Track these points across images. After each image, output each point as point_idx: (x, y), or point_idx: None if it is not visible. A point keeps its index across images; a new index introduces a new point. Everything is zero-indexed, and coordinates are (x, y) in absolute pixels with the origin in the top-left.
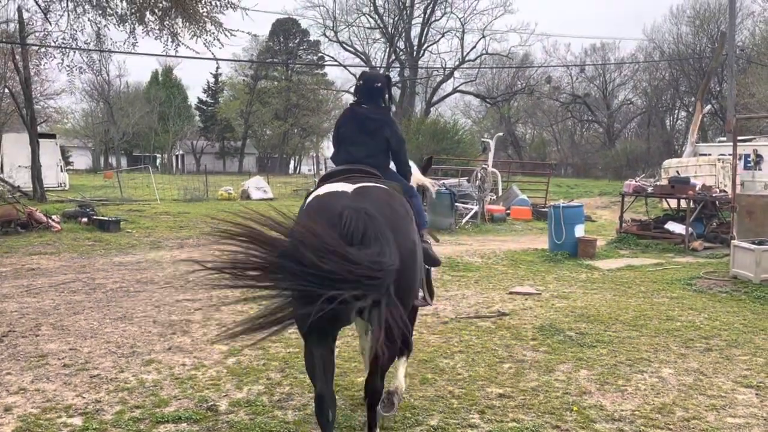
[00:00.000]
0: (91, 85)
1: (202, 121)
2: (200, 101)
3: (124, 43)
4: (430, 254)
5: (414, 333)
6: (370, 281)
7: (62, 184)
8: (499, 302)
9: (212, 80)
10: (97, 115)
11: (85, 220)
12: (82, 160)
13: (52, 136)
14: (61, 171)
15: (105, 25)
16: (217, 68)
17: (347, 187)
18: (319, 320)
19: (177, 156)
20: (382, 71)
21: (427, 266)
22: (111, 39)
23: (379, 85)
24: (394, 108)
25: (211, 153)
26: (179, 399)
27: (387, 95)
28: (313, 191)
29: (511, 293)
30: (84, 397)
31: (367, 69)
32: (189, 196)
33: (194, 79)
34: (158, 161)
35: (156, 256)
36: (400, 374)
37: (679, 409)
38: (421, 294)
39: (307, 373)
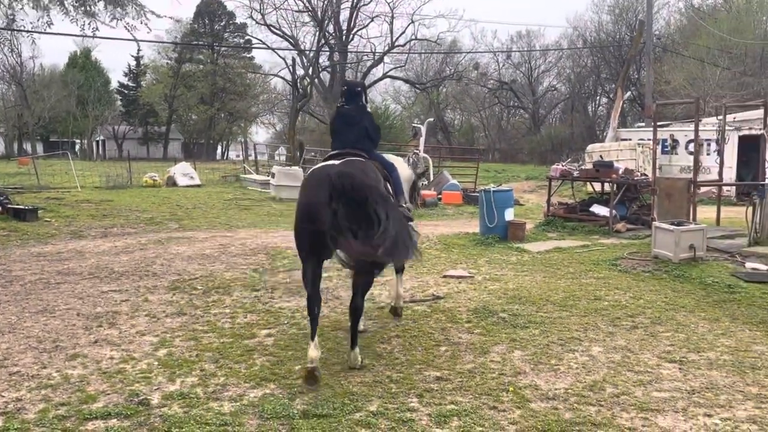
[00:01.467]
0: (2, 67)
1: (123, 105)
2: (121, 85)
3: (38, 20)
4: (405, 213)
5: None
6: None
7: None
8: (434, 286)
9: (134, 63)
10: (8, 98)
11: None
12: None
13: None
14: None
15: (19, 8)
16: (139, 51)
17: (337, 162)
18: (311, 250)
19: (97, 142)
20: (311, 55)
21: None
22: (26, 17)
23: (359, 89)
24: (369, 107)
25: (133, 138)
26: (108, 394)
27: (364, 96)
28: (311, 170)
29: (445, 277)
30: (3, 396)
31: (348, 78)
32: (112, 183)
33: (115, 62)
34: (77, 147)
35: (78, 246)
36: (398, 288)
37: (609, 385)
38: None
39: (303, 282)
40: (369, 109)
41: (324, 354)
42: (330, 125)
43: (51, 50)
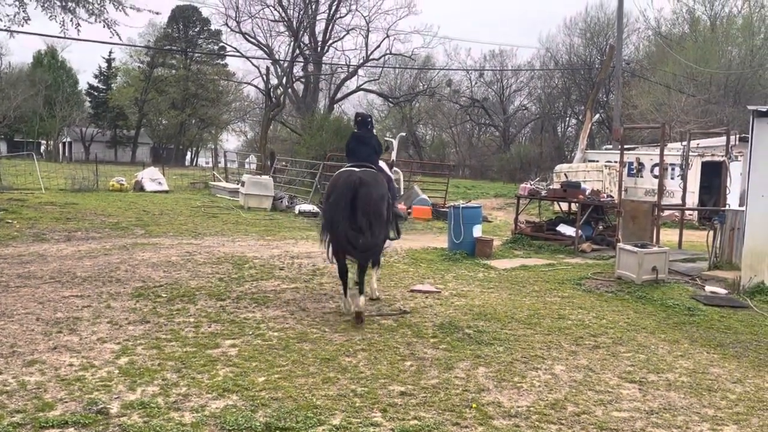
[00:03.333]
0: None
1: (92, 107)
2: (91, 86)
3: (14, 16)
4: (397, 213)
5: (317, 330)
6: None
7: None
8: (401, 300)
9: (105, 65)
10: None
11: None
12: None
13: None
14: None
15: None
16: (110, 53)
17: (356, 170)
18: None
19: (64, 143)
20: (286, 65)
21: (397, 218)
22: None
23: (369, 119)
24: (375, 130)
25: (101, 141)
26: (66, 402)
27: (371, 124)
28: (338, 172)
29: (412, 291)
30: None
31: (360, 111)
32: (77, 185)
33: (85, 63)
34: (42, 148)
35: (40, 249)
36: (373, 280)
37: (570, 404)
38: (392, 235)
39: (335, 257)
40: (374, 132)
41: (288, 366)
42: (347, 145)
43: (20, 48)
